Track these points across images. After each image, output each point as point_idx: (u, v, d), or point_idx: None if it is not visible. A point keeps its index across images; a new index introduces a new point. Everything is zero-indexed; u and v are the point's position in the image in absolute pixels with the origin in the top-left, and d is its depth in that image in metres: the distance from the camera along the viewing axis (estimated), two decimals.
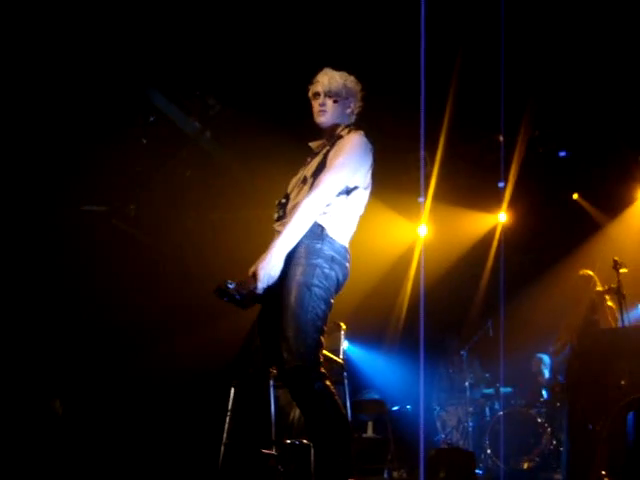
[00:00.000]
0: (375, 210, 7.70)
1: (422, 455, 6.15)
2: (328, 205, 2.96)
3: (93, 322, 6.85)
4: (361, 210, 3.13)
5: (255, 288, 2.84)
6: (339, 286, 3.00)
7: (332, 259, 2.93)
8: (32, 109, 5.99)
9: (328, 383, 2.88)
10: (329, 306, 2.94)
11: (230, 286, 2.85)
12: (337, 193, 2.98)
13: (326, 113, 3.16)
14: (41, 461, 5.57)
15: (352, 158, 3.01)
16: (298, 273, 2.87)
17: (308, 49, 5.41)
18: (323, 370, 2.91)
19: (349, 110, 3.20)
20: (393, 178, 7.54)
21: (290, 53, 5.68)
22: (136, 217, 7.53)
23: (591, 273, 6.06)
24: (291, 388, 2.91)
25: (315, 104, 3.19)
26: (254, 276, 2.84)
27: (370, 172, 3.12)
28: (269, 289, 2.89)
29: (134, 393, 6.85)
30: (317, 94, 3.18)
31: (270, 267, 2.83)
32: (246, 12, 5.59)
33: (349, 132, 3.13)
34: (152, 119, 6.79)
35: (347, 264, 3.02)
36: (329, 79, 3.17)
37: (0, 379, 6.16)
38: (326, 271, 2.90)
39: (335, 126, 3.19)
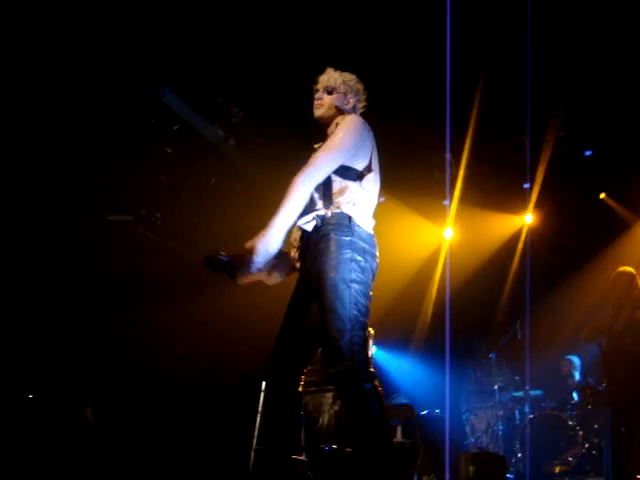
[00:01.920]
0: (401, 214, 7.72)
1: (447, 459, 6.10)
2: (351, 192, 2.93)
3: (123, 330, 6.89)
4: (376, 197, 3.08)
5: (251, 261, 2.78)
6: (374, 276, 2.94)
7: (364, 250, 2.88)
8: (58, 119, 6.07)
9: (376, 383, 2.83)
10: (369, 299, 2.87)
11: (223, 258, 2.80)
12: (348, 177, 2.94)
13: (322, 107, 3.19)
14: (72, 468, 5.61)
15: (349, 136, 2.98)
16: (334, 270, 2.79)
17: (333, 55, 5.40)
18: (372, 369, 2.87)
19: (348, 106, 3.19)
20: (418, 181, 7.54)
21: (315, 60, 5.68)
22: (162, 226, 7.57)
23: (633, 270, 5.77)
24: (340, 389, 2.87)
25: (314, 101, 3.24)
26: (251, 250, 2.79)
27: (375, 156, 3.07)
28: (305, 288, 2.86)
29: (165, 399, 6.88)
30: (316, 91, 3.23)
31: (267, 242, 2.79)
32: (269, 21, 5.62)
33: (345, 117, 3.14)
34: (176, 128, 6.83)
35: (376, 252, 2.98)
36: (328, 77, 3.21)
37: (32, 387, 6.23)
38: (362, 264, 2.84)
39: (333, 120, 3.19)
